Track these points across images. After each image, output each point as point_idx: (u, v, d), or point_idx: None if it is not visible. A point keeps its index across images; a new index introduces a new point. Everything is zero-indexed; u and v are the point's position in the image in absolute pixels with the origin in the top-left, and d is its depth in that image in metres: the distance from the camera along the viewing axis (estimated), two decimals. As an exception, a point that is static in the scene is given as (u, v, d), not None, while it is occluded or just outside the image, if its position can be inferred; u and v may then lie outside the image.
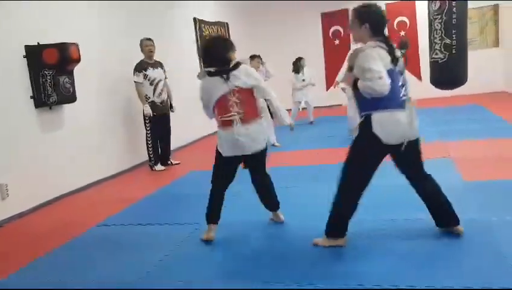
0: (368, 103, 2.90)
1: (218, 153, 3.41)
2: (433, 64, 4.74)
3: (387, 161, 2.98)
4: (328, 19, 11.90)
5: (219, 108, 3.31)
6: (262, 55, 7.44)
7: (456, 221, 3.07)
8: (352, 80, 2.94)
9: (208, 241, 3.38)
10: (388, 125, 2.87)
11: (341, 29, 11.78)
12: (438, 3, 4.54)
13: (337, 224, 3.09)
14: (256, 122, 3.33)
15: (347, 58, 3.30)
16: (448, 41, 4.49)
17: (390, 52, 2.91)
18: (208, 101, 3.36)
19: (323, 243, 3.12)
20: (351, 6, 11.26)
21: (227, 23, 10.61)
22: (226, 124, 3.30)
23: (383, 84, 2.74)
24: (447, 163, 4.86)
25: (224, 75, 3.25)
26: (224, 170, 3.44)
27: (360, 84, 2.86)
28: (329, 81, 11.89)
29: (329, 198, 3.05)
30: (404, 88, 2.97)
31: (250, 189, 3.60)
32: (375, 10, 3.03)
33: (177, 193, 4.99)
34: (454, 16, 4.51)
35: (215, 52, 3.33)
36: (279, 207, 3.64)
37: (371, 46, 2.90)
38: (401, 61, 2.99)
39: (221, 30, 10.25)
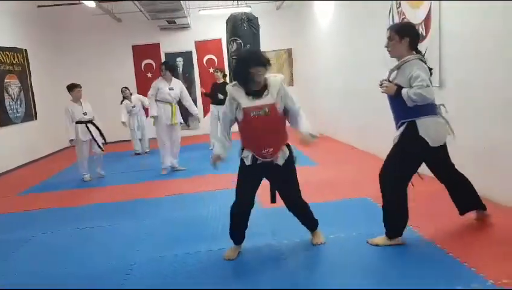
0: (410, 110, 3.04)
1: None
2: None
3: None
4: (139, 52, 11.83)
5: None
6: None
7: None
8: (395, 89, 3.06)
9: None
10: (433, 130, 3.07)
11: (153, 63, 11.85)
12: (235, 45, 4.91)
13: (394, 223, 3.23)
14: None
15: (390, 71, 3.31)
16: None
17: (427, 65, 3.13)
18: None
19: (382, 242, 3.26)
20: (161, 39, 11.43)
21: (25, 49, 9.64)
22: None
23: (431, 92, 2.94)
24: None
25: None
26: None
27: (407, 91, 2.98)
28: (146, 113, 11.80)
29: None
30: None
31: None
32: (413, 26, 3.25)
33: None
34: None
35: None
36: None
37: (415, 57, 3.09)
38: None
39: (18, 57, 9.26)
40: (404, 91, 3.04)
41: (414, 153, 3.17)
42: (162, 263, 3.35)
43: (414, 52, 3.19)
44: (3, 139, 8.30)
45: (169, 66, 6.82)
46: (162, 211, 4.83)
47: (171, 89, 6.66)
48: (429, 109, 3.13)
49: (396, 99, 3.13)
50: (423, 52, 4.99)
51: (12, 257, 3.80)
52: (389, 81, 3.22)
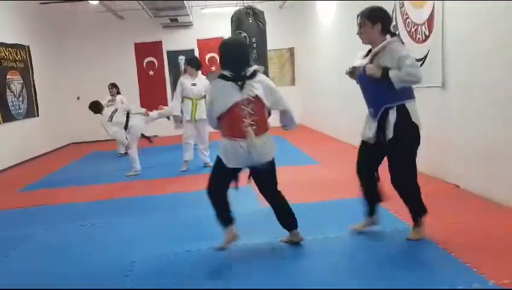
0: (395, 94, 2.90)
1: (219, 162, 3.17)
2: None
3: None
4: (141, 49, 11.83)
5: (230, 118, 3.06)
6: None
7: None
8: (381, 71, 2.89)
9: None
10: (417, 113, 2.99)
11: (155, 60, 11.85)
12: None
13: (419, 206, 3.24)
14: (265, 134, 3.19)
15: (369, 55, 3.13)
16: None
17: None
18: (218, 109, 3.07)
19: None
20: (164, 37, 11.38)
21: (28, 46, 9.65)
22: (237, 134, 3.05)
23: (420, 72, 2.84)
24: (248, 190, 5.11)
25: (240, 82, 3.03)
26: (223, 179, 3.23)
27: (396, 73, 2.82)
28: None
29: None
30: None
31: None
32: (384, 10, 3.08)
33: None
34: (254, 52, 4.93)
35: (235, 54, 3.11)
36: (296, 226, 3.40)
37: (397, 39, 2.98)
38: None
39: (21, 53, 9.27)
40: (392, 72, 2.87)
41: (413, 140, 3.05)
42: (162, 261, 3.34)
43: (389, 36, 3.04)
44: (5, 135, 8.31)
45: (189, 61, 6.84)
46: (163, 209, 4.83)
47: (193, 84, 6.67)
48: (411, 91, 3.03)
49: (377, 84, 2.96)
50: (425, 53, 5.02)
51: (13, 254, 3.81)
52: (354, 68, 3.19)
